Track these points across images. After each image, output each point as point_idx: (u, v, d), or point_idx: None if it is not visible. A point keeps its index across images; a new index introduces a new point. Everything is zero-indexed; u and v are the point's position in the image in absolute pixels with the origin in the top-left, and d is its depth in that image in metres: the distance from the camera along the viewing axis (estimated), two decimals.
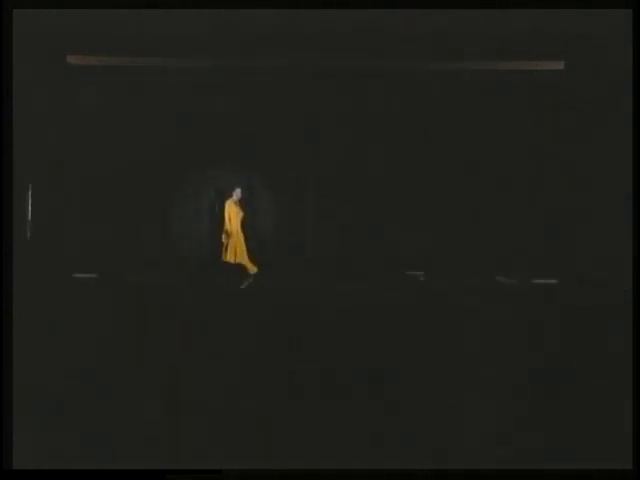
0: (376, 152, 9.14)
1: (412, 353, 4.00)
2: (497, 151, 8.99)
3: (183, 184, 9.40)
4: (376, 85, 8.99)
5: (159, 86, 8.94)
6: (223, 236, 9.08)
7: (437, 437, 3.23)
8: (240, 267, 8.97)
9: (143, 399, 3.53)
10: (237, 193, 9.17)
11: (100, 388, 3.60)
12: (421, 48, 8.25)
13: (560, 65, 8.54)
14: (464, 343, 4.38)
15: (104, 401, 3.46)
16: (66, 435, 3.13)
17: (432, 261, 8.76)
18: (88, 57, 8.50)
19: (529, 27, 7.87)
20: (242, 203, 9.20)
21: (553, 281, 7.94)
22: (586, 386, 3.68)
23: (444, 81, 8.92)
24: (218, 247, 9.13)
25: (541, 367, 4.01)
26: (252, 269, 9.06)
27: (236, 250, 9.08)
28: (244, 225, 9.18)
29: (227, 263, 9.03)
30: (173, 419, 3.33)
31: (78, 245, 8.77)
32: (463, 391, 3.68)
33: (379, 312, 4.99)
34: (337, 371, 3.93)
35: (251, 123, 9.16)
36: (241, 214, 9.19)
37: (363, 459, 3.03)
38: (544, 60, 8.50)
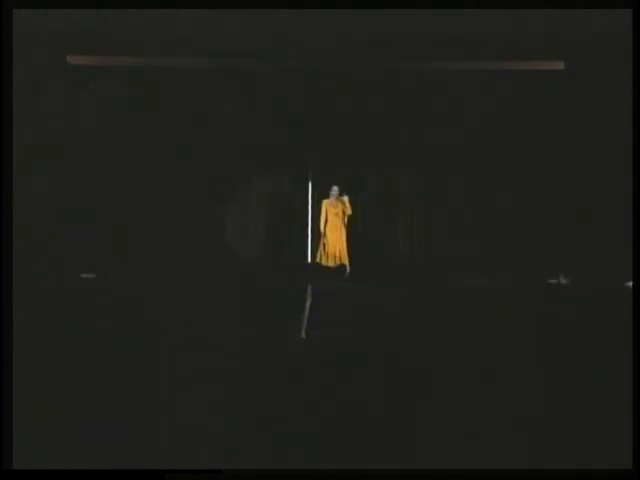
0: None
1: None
2: (496, 151, 8.98)
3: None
4: (377, 85, 9.01)
5: (161, 86, 8.93)
6: (322, 237, 8.90)
7: (439, 437, 3.23)
8: (339, 267, 8.77)
9: (143, 399, 3.53)
10: (334, 191, 8.88)
11: (100, 388, 3.61)
12: (420, 48, 8.25)
13: (560, 65, 8.53)
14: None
15: (104, 401, 3.46)
16: (66, 435, 3.13)
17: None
18: (88, 57, 8.49)
19: (529, 27, 7.86)
20: (341, 201, 8.94)
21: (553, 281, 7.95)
22: (586, 385, 3.68)
23: (443, 82, 8.92)
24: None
25: (540, 366, 4.01)
26: (347, 269, 8.82)
27: (336, 249, 8.84)
28: (345, 224, 8.94)
29: (323, 263, 8.83)
30: (173, 419, 3.33)
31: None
32: (470, 387, 3.68)
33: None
34: (337, 370, 3.93)
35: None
36: (340, 213, 8.89)
37: (364, 459, 3.03)
38: (544, 60, 8.49)
